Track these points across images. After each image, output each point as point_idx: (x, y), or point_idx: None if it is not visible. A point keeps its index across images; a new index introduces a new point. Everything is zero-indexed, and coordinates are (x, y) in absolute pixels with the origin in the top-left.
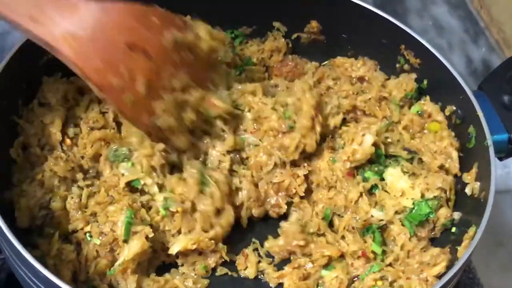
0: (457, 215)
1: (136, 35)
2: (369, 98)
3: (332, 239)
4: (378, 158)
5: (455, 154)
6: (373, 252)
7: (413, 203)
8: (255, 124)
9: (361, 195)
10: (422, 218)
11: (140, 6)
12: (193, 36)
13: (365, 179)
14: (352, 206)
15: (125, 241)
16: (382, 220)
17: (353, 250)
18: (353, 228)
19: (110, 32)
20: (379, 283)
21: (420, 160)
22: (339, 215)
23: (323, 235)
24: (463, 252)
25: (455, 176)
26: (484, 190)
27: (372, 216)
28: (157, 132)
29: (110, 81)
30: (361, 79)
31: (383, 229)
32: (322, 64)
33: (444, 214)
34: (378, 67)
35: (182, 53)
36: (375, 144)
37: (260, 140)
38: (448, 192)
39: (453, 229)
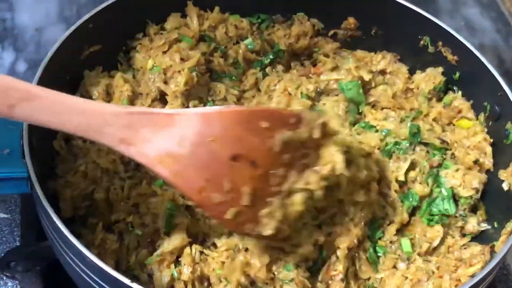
0: (483, 226)
1: (241, 145)
2: (395, 92)
3: None
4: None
5: (489, 149)
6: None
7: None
8: None
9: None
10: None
11: (246, 110)
12: (307, 131)
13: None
14: None
15: (166, 233)
16: None
17: None
18: None
19: (212, 146)
20: None
21: (453, 156)
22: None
23: None
24: (501, 247)
25: (487, 172)
26: None
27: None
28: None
29: (212, 199)
30: (382, 72)
31: None
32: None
33: (472, 222)
34: (398, 58)
35: (294, 151)
36: None
37: None
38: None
39: (496, 224)
